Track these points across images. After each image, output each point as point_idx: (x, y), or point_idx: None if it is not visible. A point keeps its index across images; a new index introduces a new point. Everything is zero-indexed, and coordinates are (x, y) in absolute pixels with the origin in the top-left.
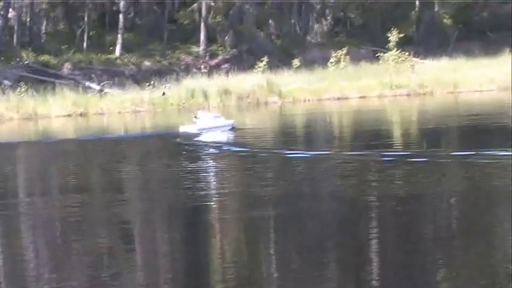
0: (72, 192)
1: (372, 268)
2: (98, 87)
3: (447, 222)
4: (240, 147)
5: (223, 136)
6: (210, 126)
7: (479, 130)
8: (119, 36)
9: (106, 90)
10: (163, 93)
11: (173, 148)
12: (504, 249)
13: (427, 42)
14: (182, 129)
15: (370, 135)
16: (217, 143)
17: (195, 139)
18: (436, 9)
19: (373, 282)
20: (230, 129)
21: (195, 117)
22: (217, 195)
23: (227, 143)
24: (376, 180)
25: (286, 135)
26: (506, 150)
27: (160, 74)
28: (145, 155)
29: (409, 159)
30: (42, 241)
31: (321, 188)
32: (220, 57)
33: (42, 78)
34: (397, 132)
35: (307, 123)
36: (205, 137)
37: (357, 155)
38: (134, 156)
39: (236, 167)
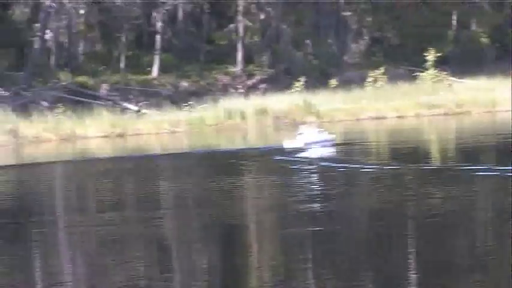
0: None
1: None
2: (135, 108)
3: (487, 240)
4: (336, 163)
5: (326, 151)
6: (314, 140)
7: None
8: (156, 57)
9: (143, 110)
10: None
11: (269, 164)
12: None
13: (463, 61)
14: (286, 144)
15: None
16: (314, 158)
17: (296, 155)
18: (473, 28)
19: None
20: (332, 145)
21: (299, 132)
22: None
23: (325, 159)
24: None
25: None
26: None
27: (198, 94)
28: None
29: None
30: (80, 260)
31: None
32: (257, 77)
33: (79, 99)
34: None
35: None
36: (306, 153)
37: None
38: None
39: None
